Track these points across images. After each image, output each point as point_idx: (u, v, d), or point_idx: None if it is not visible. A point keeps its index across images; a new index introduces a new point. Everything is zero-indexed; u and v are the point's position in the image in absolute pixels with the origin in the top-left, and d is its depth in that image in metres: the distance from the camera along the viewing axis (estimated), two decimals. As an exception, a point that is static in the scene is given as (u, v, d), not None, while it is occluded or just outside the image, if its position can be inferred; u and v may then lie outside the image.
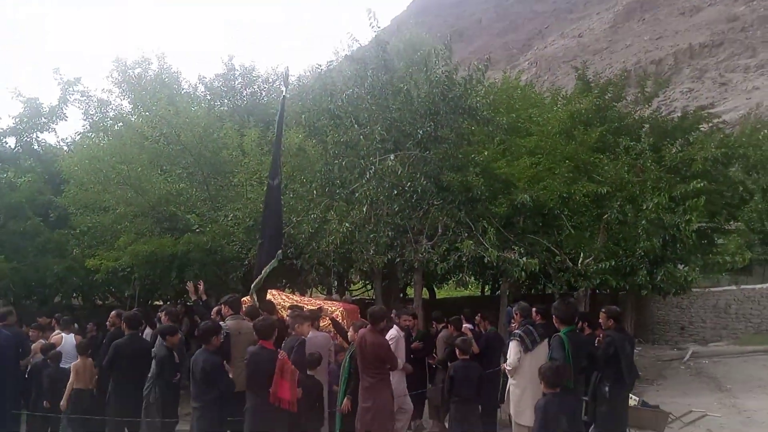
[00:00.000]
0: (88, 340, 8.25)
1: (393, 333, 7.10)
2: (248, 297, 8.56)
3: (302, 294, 12.94)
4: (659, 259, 11.50)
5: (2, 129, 17.24)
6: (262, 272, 8.34)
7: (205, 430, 5.72)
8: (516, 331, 7.05)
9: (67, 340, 8.68)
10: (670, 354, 16.35)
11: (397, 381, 6.94)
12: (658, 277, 11.24)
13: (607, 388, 6.43)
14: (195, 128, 13.42)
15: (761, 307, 17.86)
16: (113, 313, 8.01)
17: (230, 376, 6.06)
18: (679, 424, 7.52)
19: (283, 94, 10.32)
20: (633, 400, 7.34)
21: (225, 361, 6.21)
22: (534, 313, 7.00)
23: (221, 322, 6.71)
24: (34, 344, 8.65)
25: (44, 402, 7.77)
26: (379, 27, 11.65)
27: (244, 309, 7.55)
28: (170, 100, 15.59)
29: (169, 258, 12.83)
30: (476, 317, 8.96)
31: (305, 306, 8.25)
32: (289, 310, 7.63)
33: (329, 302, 9.63)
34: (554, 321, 6.50)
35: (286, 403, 5.45)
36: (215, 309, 7.75)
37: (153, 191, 13.22)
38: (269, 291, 8.82)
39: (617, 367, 6.40)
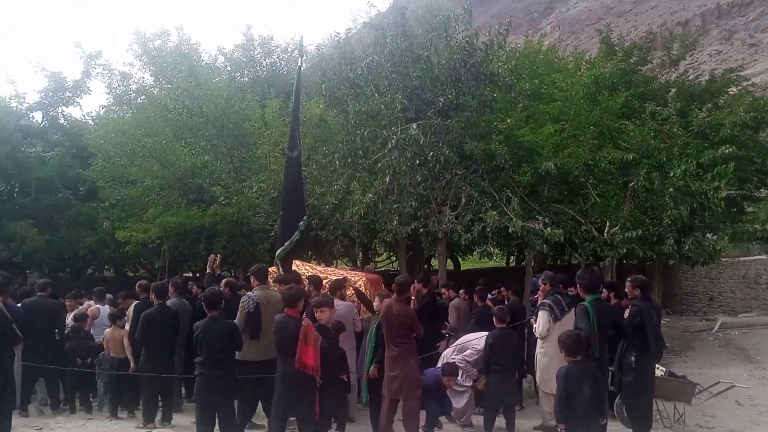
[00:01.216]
0: (119, 311, 8.47)
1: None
2: (274, 267, 8.67)
3: (327, 265, 13.07)
4: (687, 228, 11.32)
5: (28, 104, 17.49)
6: (285, 244, 8.43)
7: (229, 395, 6.07)
8: (545, 300, 7.09)
9: (103, 311, 8.94)
10: (698, 325, 16.15)
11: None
12: (686, 247, 11.04)
13: (633, 358, 6.40)
14: (217, 100, 13.47)
15: (793, 277, 17.57)
16: (138, 284, 8.23)
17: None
18: (706, 395, 7.45)
19: (299, 64, 10.30)
20: (660, 371, 7.30)
21: (258, 330, 6.39)
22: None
23: (249, 293, 6.83)
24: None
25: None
26: (397, -8, 11.49)
27: (272, 278, 7.69)
28: (191, 71, 15.65)
29: (197, 229, 13.04)
30: (497, 288, 9.10)
31: (329, 276, 8.34)
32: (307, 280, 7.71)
33: (352, 273, 9.73)
34: (579, 290, 6.49)
35: (310, 369, 5.58)
36: (223, 282, 8.01)
37: (178, 163, 13.38)
38: (294, 262, 8.93)
39: (643, 337, 6.37)
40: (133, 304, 8.02)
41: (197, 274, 17.20)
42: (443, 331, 8.43)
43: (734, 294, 18.33)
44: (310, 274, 8.21)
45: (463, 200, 10.52)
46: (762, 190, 15.80)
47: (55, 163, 16.00)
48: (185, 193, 13.76)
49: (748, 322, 15.61)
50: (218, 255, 8.87)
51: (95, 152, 14.74)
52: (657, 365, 7.12)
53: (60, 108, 18.01)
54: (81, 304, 9.36)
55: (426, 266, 16.77)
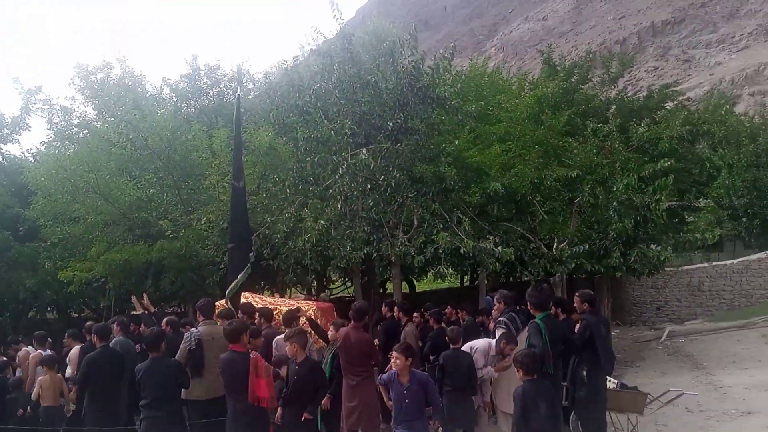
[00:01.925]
0: (52, 355, 8.07)
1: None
2: (222, 302, 8.48)
3: (281, 295, 12.86)
4: (632, 240, 11.66)
5: (-37, 142, 16.79)
6: (238, 277, 8.26)
7: None
8: (501, 318, 7.11)
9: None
10: (647, 335, 16.54)
11: None
12: (632, 259, 11.39)
13: (585, 372, 6.49)
14: (162, 132, 13.19)
15: (733, 282, 18.25)
16: (84, 327, 7.92)
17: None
18: (657, 404, 7.63)
19: (238, 92, 10.28)
20: (611, 383, 7.43)
21: (200, 368, 6.18)
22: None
23: (192, 329, 6.64)
24: None
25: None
26: (343, 19, 11.56)
27: (217, 312, 7.50)
28: (135, 104, 15.32)
29: (143, 266, 12.64)
30: (446, 309, 9.10)
31: (278, 307, 8.20)
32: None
33: (303, 302, 9.60)
34: (529, 307, 6.54)
35: (265, 401, 5.44)
36: (165, 320, 7.77)
37: (123, 198, 12.99)
38: (243, 294, 8.76)
39: (594, 351, 6.47)
40: (78, 347, 7.67)
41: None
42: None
43: (680, 302, 18.92)
44: (260, 306, 8.05)
45: (415, 223, 10.55)
46: (701, 200, 16.44)
47: (-8, 203, 15.37)
48: (131, 229, 13.35)
49: (694, 330, 16.08)
50: (144, 294, 8.62)
51: (35, 190, 14.20)
52: (609, 377, 7.23)
53: (-3, 146, 17.35)
54: (16, 351, 8.91)
55: (381, 290, 16.70)
